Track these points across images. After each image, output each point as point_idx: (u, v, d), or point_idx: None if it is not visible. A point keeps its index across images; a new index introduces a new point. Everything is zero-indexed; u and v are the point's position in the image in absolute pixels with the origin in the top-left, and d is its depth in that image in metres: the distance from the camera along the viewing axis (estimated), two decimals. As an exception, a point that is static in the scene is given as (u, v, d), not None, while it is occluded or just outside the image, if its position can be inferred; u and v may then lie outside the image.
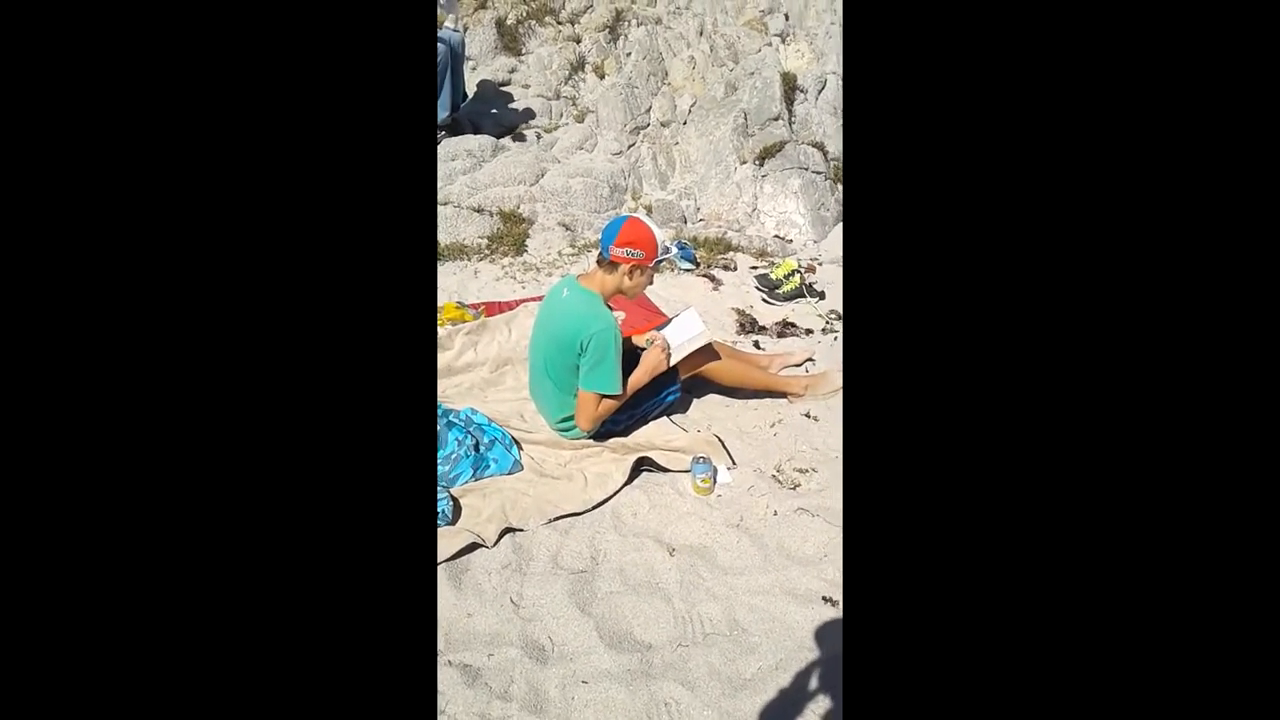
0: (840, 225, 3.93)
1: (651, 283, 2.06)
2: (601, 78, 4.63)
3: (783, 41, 4.93)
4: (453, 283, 3.12)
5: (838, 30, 4.91)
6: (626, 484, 1.92)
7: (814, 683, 1.39)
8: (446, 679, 1.38)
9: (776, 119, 4.10)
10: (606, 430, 2.05)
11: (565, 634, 1.49)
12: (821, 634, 1.49)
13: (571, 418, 2.02)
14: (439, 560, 1.64)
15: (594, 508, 1.84)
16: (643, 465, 1.98)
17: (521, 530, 1.77)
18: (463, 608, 1.55)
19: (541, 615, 1.54)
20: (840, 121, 4.38)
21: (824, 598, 1.57)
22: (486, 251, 3.37)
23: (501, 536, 1.74)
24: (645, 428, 2.10)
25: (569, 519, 1.81)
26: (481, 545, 1.70)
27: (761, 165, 3.96)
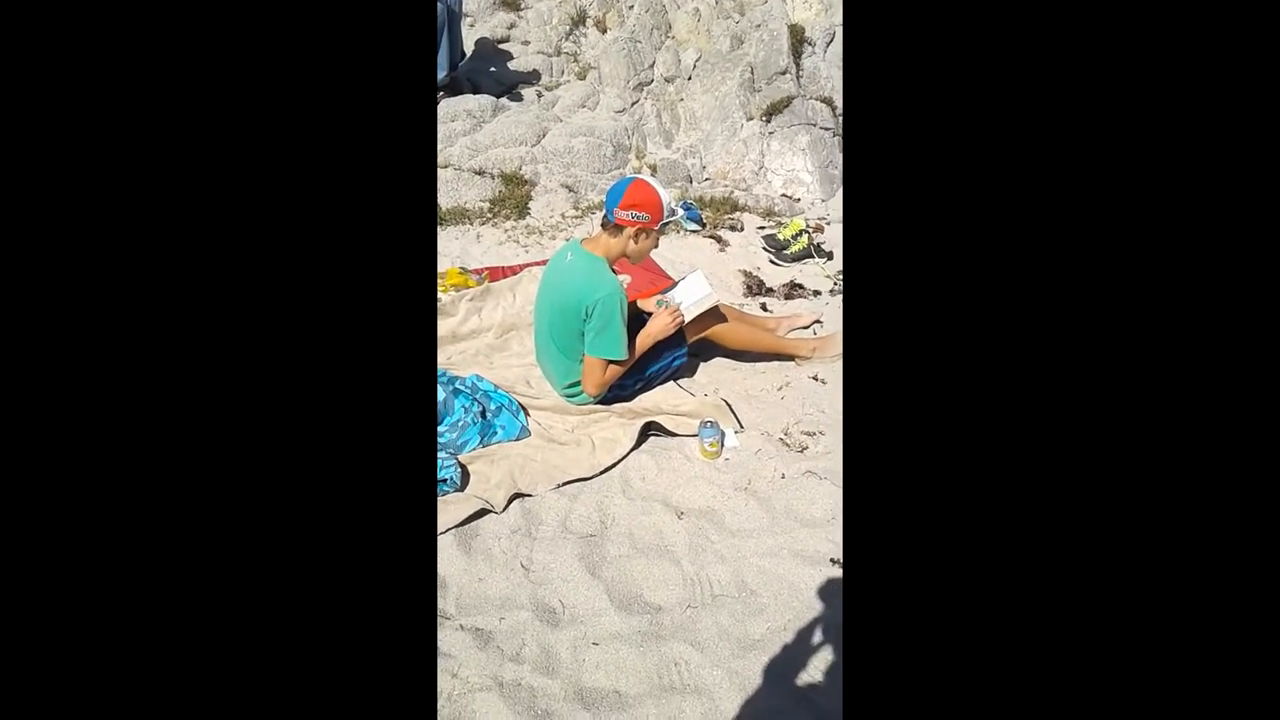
0: (849, 183, 3.84)
1: (657, 245, 2.03)
2: (603, 32, 4.49)
3: (790, -9, 4.75)
4: (455, 248, 3.08)
5: (847, -22, 4.73)
6: (634, 448, 1.92)
7: (822, 643, 1.40)
8: (459, 642, 1.40)
9: (784, 73, 3.98)
10: (613, 395, 2.04)
11: (576, 597, 1.51)
12: (829, 595, 1.50)
13: (578, 383, 2.01)
14: (449, 527, 1.66)
15: (602, 472, 1.84)
16: (650, 430, 1.98)
17: (530, 495, 1.78)
18: (473, 572, 1.57)
19: (552, 579, 1.56)
20: (849, 75, 4.25)
21: (832, 559, 1.58)
22: (489, 215, 3.32)
23: (510, 502, 1.75)
24: (652, 392, 2.09)
25: (577, 484, 1.82)
26: (491, 511, 1.71)
27: (768, 122, 3.86)
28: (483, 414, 1.96)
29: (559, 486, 1.80)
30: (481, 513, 1.71)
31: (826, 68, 4.18)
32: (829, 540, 1.63)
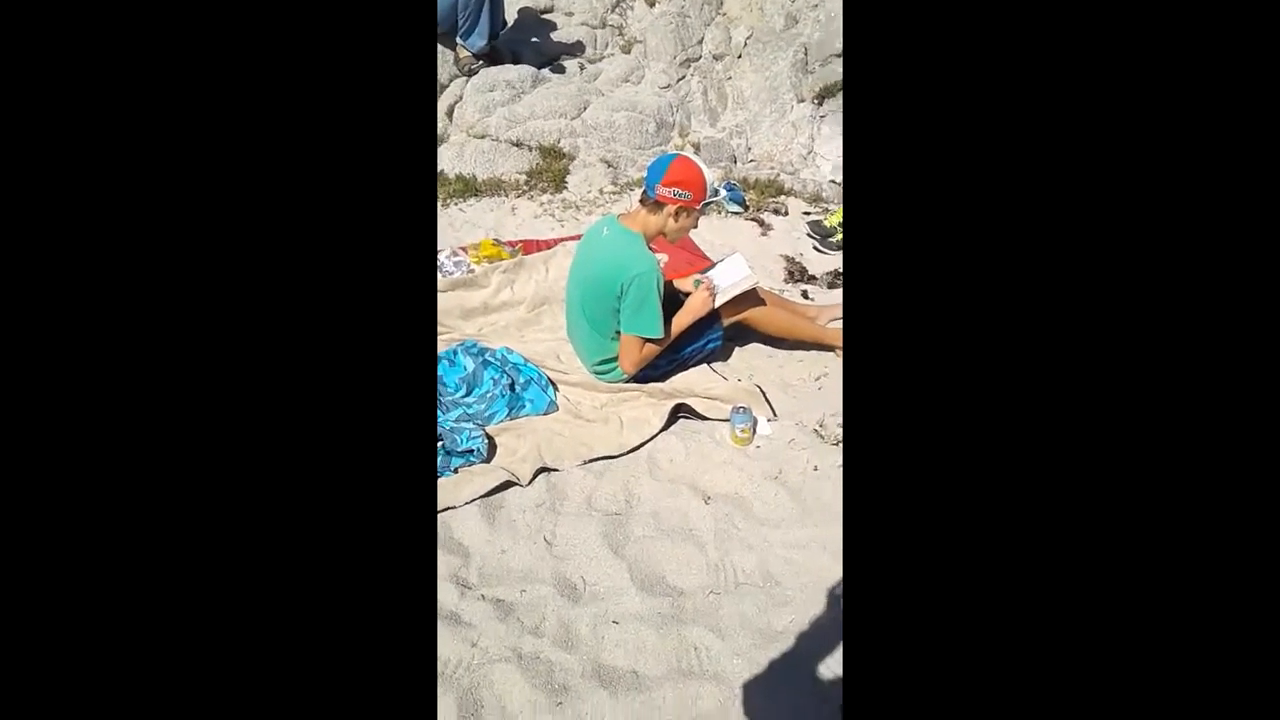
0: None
1: (696, 226, 1.97)
2: (651, 5, 4.39)
3: (847, -31, 4.60)
4: (490, 219, 3.06)
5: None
6: (663, 430, 1.89)
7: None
8: (479, 612, 1.39)
9: (839, 55, 3.85)
10: (645, 374, 2.01)
11: (597, 574, 1.49)
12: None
13: (608, 360, 1.98)
14: (474, 497, 1.65)
15: (629, 452, 1.82)
16: (680, 412, 1.94)
17: (556, 470, 1.76)
18: (497, 544, 1.56)
19: (574, 555, 1.54)
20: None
21: (862, 555, 1.53)
22: (525, 188, 3.29)
23: (536, 476, 1.73)
24: (685, 374, 2.05)
25: (604, 461, 1.79)
26: (516, 484, 1.70)
27: (820, 105, 3.74)
28: (511, 386, 1.95)
29: (585, 463, 1.78)
30: (507, 485, 1.70)
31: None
32: (860, 535, 1.58)
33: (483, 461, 1.75)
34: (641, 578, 1.49)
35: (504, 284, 2.48)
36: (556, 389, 2.03)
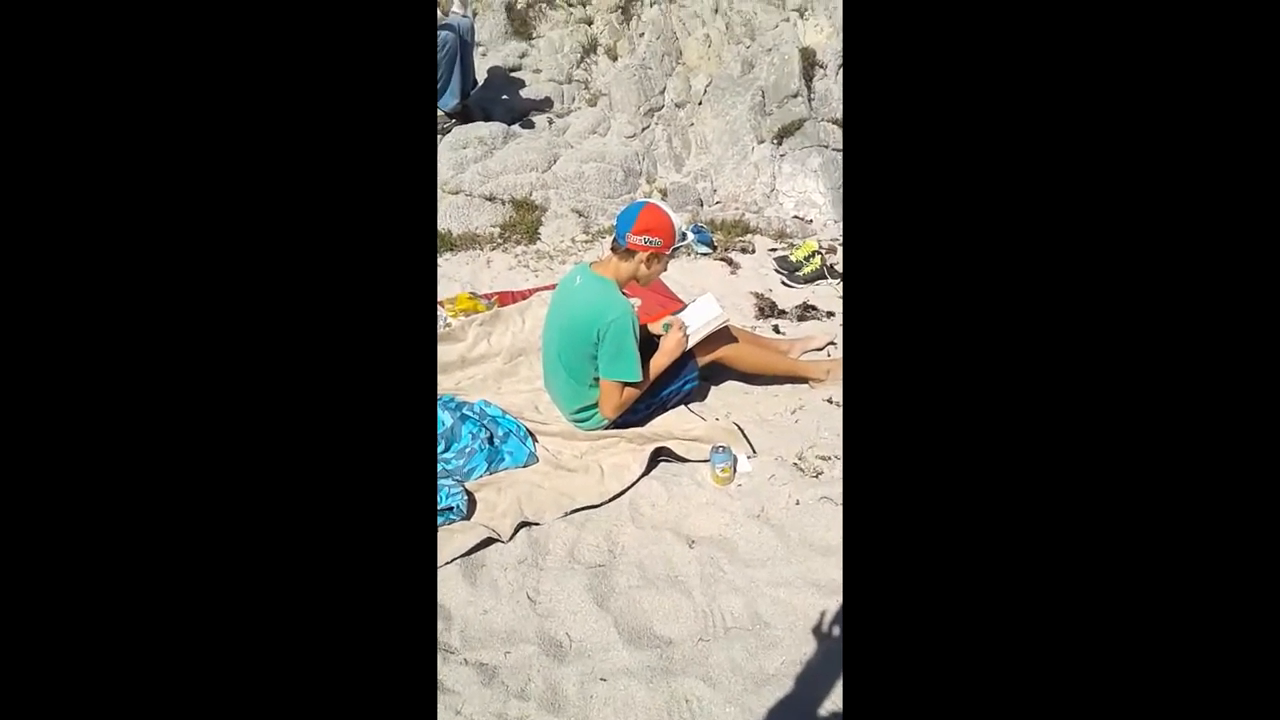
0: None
1: (666, 270, 2.01)
2: (614, 60, 4.54)
3: (800, 16, 4.79)
4: (465, 273, 3.09)
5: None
6: (644, 475, 1.88)
7: (838, 677, 1.34)
8: (463, 678, 1.35)
9: (795, 96, 3.98)
10: (624, 419, 2.01)
11: (583, 630, 1.46)
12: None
13: (587, 408, 1.98)
14: (454, 556, 1.62)
15: (611, 500, 1.80)
16: (660, 455, 1.94)
17: (537, 524, 1.74)
18: (479, 604, 1.53)
19: (559, 611, 1.51)
20: (860, 97, 4.24)
21: (849, 590, 1.51)
22: (499, 240, 3.33)
23: (517, 531, 1.71)
24: (663, 416, 2.05)
25: (586, 511, 1.78)
26: (497, 540, 1.68)
27: (780, 144, 3.86)
28: (490, 440, 1.94)
29: (567, 514, 1.76)
30: (488, 541, 1.67)
31: (839, 90, 4.18)
32: (846, 570, 1.57)
33: (462, 519, 1.72)
34: (628, 630, 1.46)
35: (481, 336, 2.48)
36: (536, 440, 2.02)
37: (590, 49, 4.61)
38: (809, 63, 4.21)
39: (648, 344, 2.01)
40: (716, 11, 4.74)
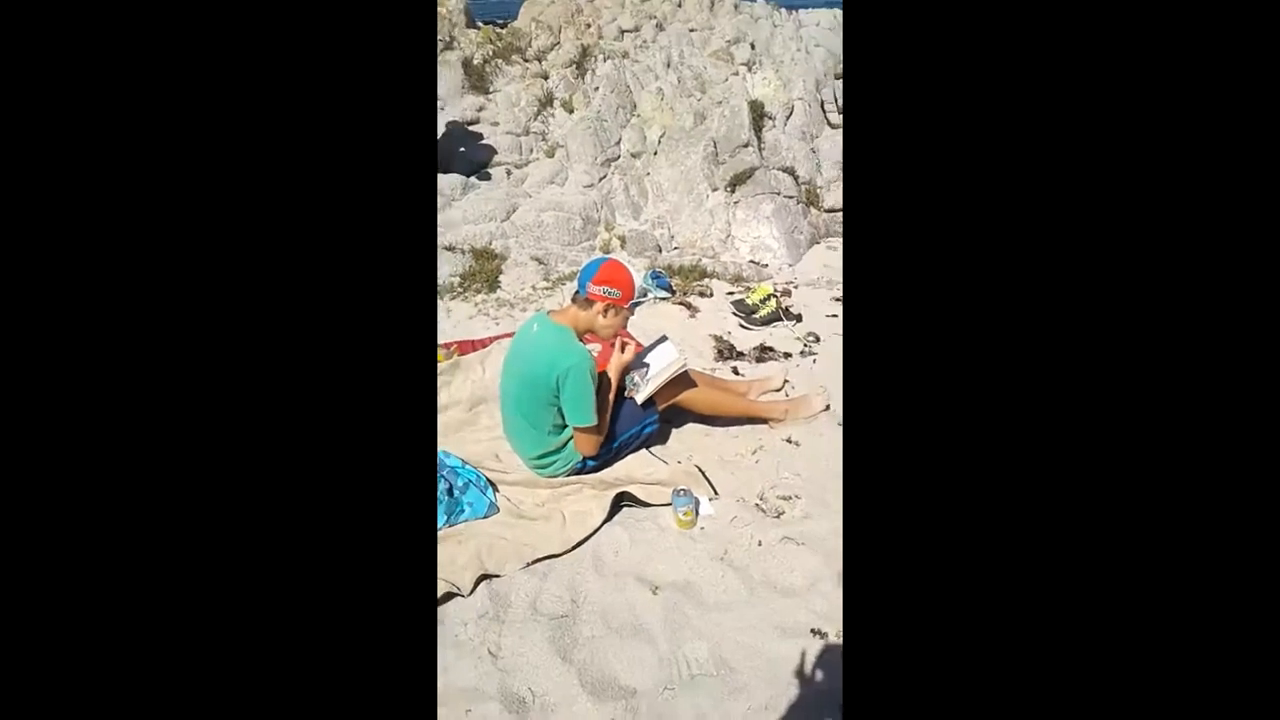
0: (815, 247, 3.95)
1: (625, 325, 2.04)
2: (570, 112, 4.67)
3: (749, 70, 5.02)
4: (426, 322, 3.08)
5: (804, 58, 5.00)
6: (606, 521, 1.87)
7: (803, 718, 1.33)
8: (421, 741, 1.30)
9: (746, 146, 4.14)
10: (584, 465, 2.01)
11: (546, 684, 1.43)
12: (810, 667, 1.44)
13: (547, 454, 1.97)
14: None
15: (573, 548, 1.79)
16: (622, 501, 1.93)
17: (498, 576, 1.71)
18: (439, 662, 1.48)
19: (521, 666, 1.48)
20: (810, 145, 4.44)
21: (812, 630, 1.52)
22: (459, 290, 3.34)
23: (478, 584, 1.68)
24: (624, 461, 2.06)
25: (548, 561, 1.75)
26: (457, 594, 1.64)
27: (733, 192, 3.99)
28: (450, 491, 1.91)
29: (529, 565, 1.73)
30: (448, 596, 1.64)
31: (787, 139, 4.37)
32: (809, 610, 1.57)
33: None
34: (592, 682, 1.43)
35: (441, 386, 2.47)
36: (496, 489, 2.00)
37: (547, 102, 4.74)
38: (758, 114, 4.40)
39: (607, 391, 2.03)
40: (669, 66, 4.94)
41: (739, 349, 2.83)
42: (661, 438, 2.23)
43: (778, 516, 1.90)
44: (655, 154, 4.33)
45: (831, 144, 4.50)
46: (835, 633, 1.51)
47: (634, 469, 2.02)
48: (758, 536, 1.81)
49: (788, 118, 4.53)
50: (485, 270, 3.42)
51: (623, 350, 2.03)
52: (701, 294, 3.33)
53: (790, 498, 1.96)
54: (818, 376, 2.60)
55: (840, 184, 4.36)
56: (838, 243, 4.07)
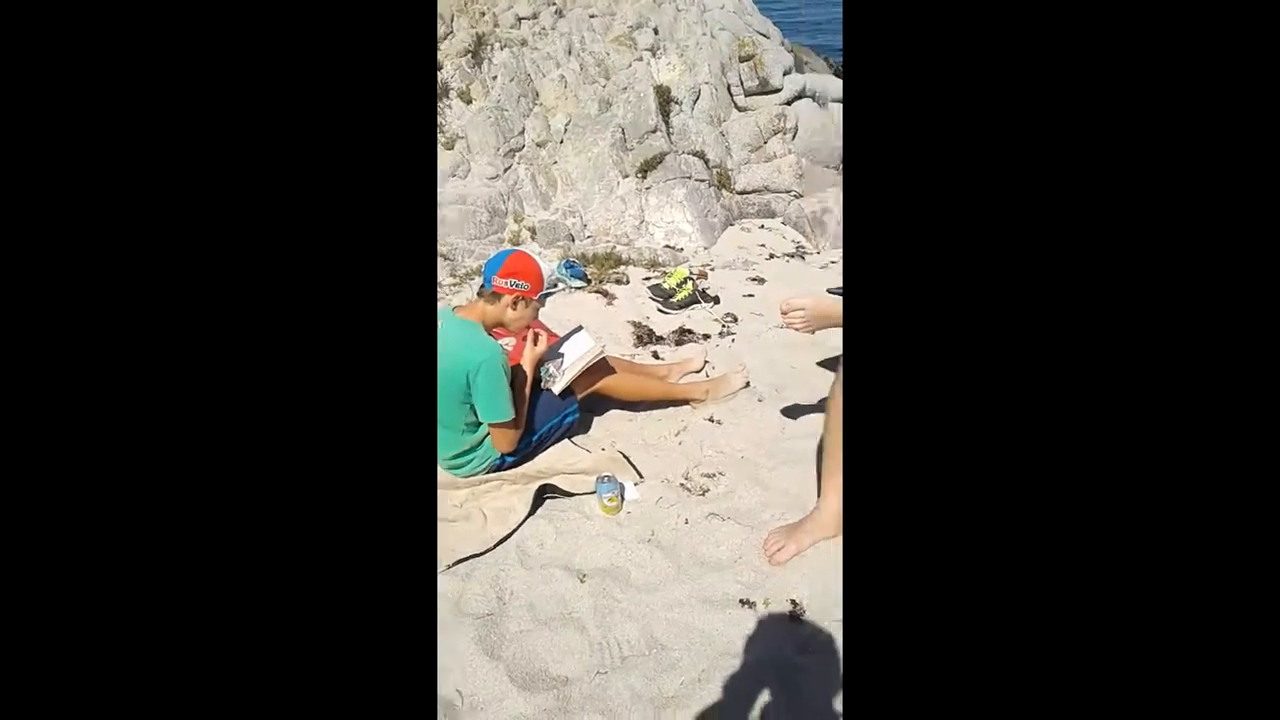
0: (729, 230, 4.01)
1: (535, 316, 1.99)
2: (468, 103, 4.53)
3: (653, 55, 5.01)
4: (330, 327, 2.93)
5: (709, 41, 5.04)
6: (530, 515, 1.83)
7: (738, 688, 1.35)
8: (342, 762, 1.24)
9: (654, 131, 4.14)
10: (503, 460, 1.96)
11: (474, 684, 1.39)
12: (740, 638, 1.46)
13: (461, 454, 1.91)
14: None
15: (496, 545, 1.74)
16: (545, 493, 1.90)
17: (419, 581, 1.64)
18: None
19: (447, 669, 1.42)
20: (719, 129, 4.48)
21: (740, 600, 1.54)
22: (366, 290, 3.19)
23: (397, 592, 1.60)
24: (545, 453, 2.02)
25: (470, 561, 1.70)
26: (375, 605, 1.56)
27: (644, 178, 3.99)
28: (363, 499, 1.82)
29: (450, 567, 1.67)
30: (365, 608, 1.56)
31: (695, 123, 4.40)
32: (736, 581, 1.59)
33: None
34: (522, 676, 1.40)
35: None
36: (414, 493, 1.92)
37: (442, 93, 4.58)
38: (664, 99, 4.41)
39: (522, 385, 1.99)
40: (570, 53, 4.87)
41: (658, 333, 2.84)
42: (584, 427, 2.21)
43: (703, 494, 1.91)
44: (561, 143, 4.26)
45: (740, 126, 4.57)
46: (764, 602, 1.53)
47: (556, 460, 1.98)
48: (684, 515, 1.81)
49: (695, 102, 4.56)
50: (392, 269, 3.29)
51: (535, 342, 1.98)
52: (618, 281, 3.31)
53: (714, 475, 1.97)
54: (736, 356, 2.64)
55: (749, 166, 4.43)
56: (751, 224, 4.14)
